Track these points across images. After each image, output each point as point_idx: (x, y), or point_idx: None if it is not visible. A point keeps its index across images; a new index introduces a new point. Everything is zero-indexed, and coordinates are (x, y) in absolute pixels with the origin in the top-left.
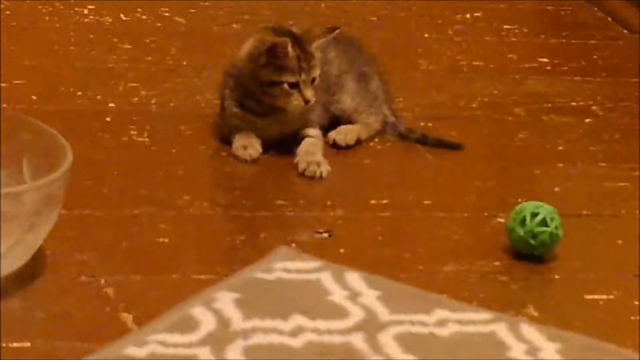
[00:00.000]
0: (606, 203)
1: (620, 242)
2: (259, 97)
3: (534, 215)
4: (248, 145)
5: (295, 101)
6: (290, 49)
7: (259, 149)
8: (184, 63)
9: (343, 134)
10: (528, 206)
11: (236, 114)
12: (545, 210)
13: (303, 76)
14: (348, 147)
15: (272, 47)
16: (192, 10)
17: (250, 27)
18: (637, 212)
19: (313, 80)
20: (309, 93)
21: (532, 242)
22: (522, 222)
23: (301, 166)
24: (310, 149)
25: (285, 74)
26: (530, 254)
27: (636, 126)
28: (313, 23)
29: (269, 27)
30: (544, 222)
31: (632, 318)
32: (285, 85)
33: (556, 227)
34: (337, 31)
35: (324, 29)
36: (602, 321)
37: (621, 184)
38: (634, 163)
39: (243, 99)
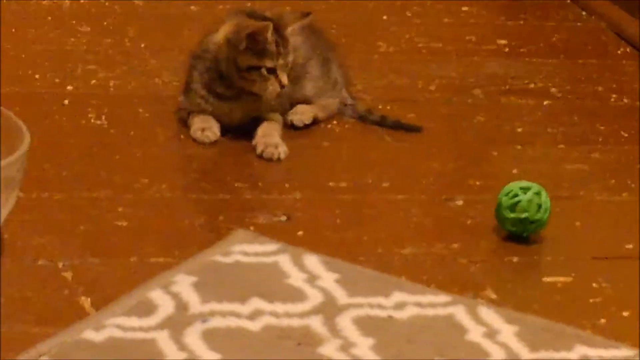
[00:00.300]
0: (564, 185)
1: (578, 224)
2: (233, 81)
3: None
4: (207, 128)
5: (272, 86)
6: (270, 34)
7: (218, 132)
8: (142, 45)
9: (299, 114)
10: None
11: (203, 97)
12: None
13: (280, 61)
14: (306, 127)
15: (253, 33)
16: None
17: (207, 9)
18: (595, 194)
19: (287, 65)
20: (284, 78)
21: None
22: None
23: (259, 148)
24: (268, 131)
25: (264, 59)
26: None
27: (594, 108)
28: (280, 8)
29: (243, 11)
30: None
31: (590, 300)
32: (264, 70)
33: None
34: (309, 16)
35: (297, 14)
36: (560, 303)
37: (579, 166)
38: (592, 145)
39: (212, 83)
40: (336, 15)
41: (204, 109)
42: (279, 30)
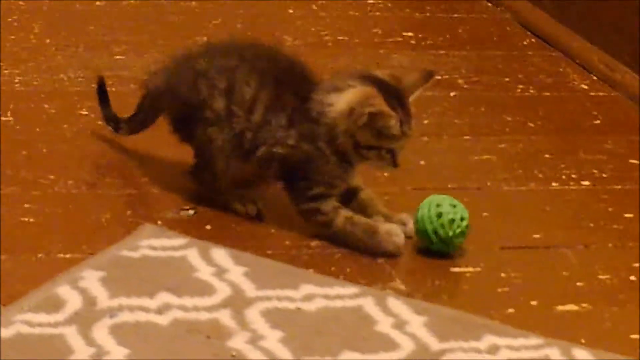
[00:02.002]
0: (472, 176)
1: (485, 214)
2: (349, 154)
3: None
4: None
5: (386, 165)
6: (395, 121)
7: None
8: (47, 41)
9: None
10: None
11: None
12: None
13: (401, 142)
14: None
15: (376, 114)
16: None
17: (113, 5)
18: (503, 184)
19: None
20: (400, 158)
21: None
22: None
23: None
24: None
25: (385, 140)
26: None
27: (500, 99)
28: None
29: (362, 76)
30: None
31: (499, 290)
32: (383, 151)
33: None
34: (433, 77)
35: (418, 76)
36: (468, 294)
37: (486, 156)
38: (499, 136)
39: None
40: (241, 9)
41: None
42: (401, 100)
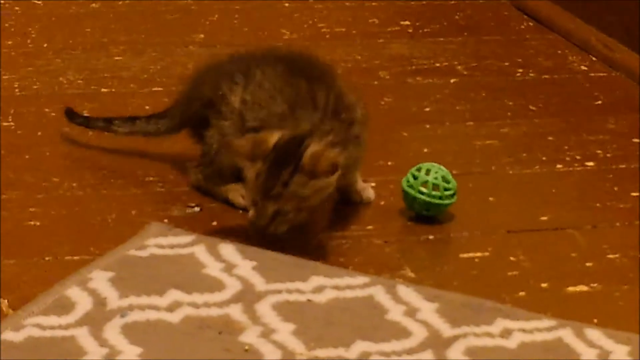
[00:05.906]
0: (476, 161)
1: (491, 199)
2: None
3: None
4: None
5: None
6: None
7: None
8: (45, 45)
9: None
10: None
11: None
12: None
13: None
14: None
15: None
16: None
17: (108, 6)
18: (507, 168)
19: None
20: None
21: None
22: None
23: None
24: None
25: None
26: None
27: (500, 83)
28: None
29: None
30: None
31: (509, 274)
32: None
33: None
34: None
35: None
36: (478, 278)
37: (489, 141)
38: (501, 120)
39: None
40: (237, 4)
41: None
42: None
